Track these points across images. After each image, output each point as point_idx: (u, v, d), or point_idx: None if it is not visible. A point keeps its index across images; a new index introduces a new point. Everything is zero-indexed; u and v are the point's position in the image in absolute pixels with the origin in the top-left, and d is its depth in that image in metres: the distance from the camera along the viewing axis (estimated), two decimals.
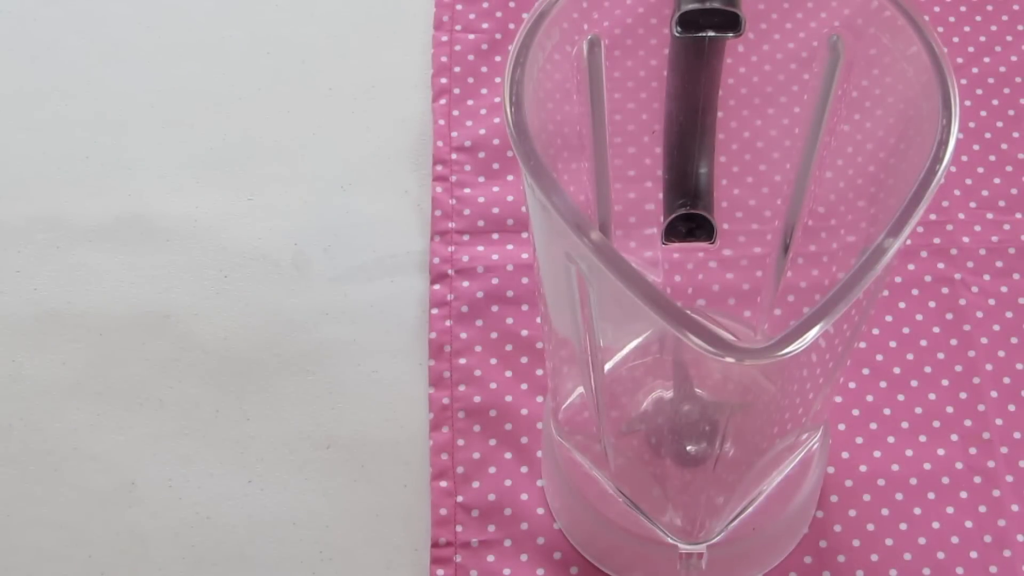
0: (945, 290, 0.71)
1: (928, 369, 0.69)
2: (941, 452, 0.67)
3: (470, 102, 0.78)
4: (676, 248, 0.62)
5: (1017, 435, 0.68)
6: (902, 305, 0.71)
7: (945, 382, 0.69)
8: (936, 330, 0.70)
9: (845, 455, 0.67)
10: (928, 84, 0.51)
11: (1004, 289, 0.72)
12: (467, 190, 0.75)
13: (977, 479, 0.67)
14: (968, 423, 0.68)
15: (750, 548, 0.63)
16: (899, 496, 0.66)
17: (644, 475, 0.62)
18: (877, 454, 0.67)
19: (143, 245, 0.74)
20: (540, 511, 0.66)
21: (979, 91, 0.77)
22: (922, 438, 0.68)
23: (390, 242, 0.74)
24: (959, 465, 0.67)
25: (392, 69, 0.80)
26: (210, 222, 0.75)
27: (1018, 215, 0.74)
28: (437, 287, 0.72)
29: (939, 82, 0.50)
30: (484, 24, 0.80)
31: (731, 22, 0.55)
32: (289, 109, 0.79)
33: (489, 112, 0.77)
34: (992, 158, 0.75)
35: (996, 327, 0.70)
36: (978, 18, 0.80)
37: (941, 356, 0.70)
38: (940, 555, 0.65)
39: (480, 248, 0.73)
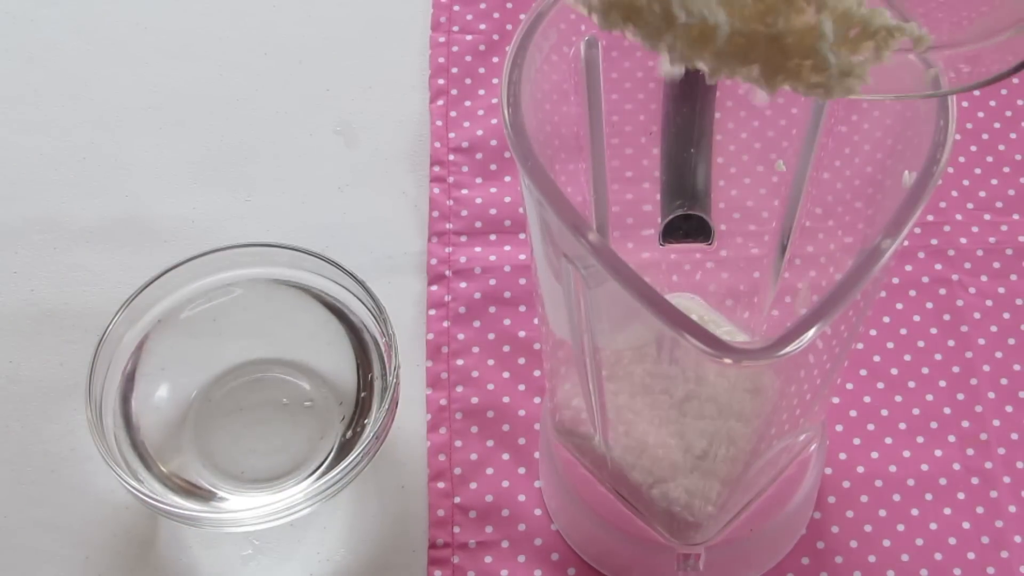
0: (942, 291, 0.72)
1: (925, 370, 0.69)
2: (939, 453, 0.67)
3: (467, 103, 0.78)
4: (674, 249, 0.62)
5: (1015, 436, 0.68)
6: (899, 306, 0.71)
7: (942, 383, 0.69)
8: (933, 331, 0.70)
9: (843, 456, 0.67)
10: None
11: (1001, 290, 0.72)
12: (464, 191, 0.75)
13: (975, 480, 0.67)
14: (966, 424, 0.68)
15: (747, 549, 0.62)
16: (897, 497, 0.66)
17: None
18: (875, 455, 0.67)
19: (140, 246, 0.74)
20: (538, 512, 0.66)
21: (976, 92, 0.77)
22: (919, 439, 0.68)
23: (387, 243, 0.74)
24: (956, 466, 0.67)
25: (389, 70, 0.80)
26: (207, 223, 0.75)
27: (1015, 216, 0.74)
28: (434, 288, 0.72)
29: None
30: (481, 25, 0.80)
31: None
32: (286, 110, 0.79)
33: (487, 113, 0.77)
34: (989, 159, 0.75)
35: (993, 328, 0.70)
36: None
37: (938, 357, 0.70)
38: (938, 556, 0.65)
39: (478, 249, 0.73)
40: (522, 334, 0.71)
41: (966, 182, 0.75)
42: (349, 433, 0.66)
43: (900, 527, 0.66)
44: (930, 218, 0.74)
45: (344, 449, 0.65)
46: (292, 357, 0.68)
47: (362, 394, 0.67)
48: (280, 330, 0.69)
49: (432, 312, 0.72)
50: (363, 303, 0.67)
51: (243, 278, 0.68)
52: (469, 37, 0.80)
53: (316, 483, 0.62)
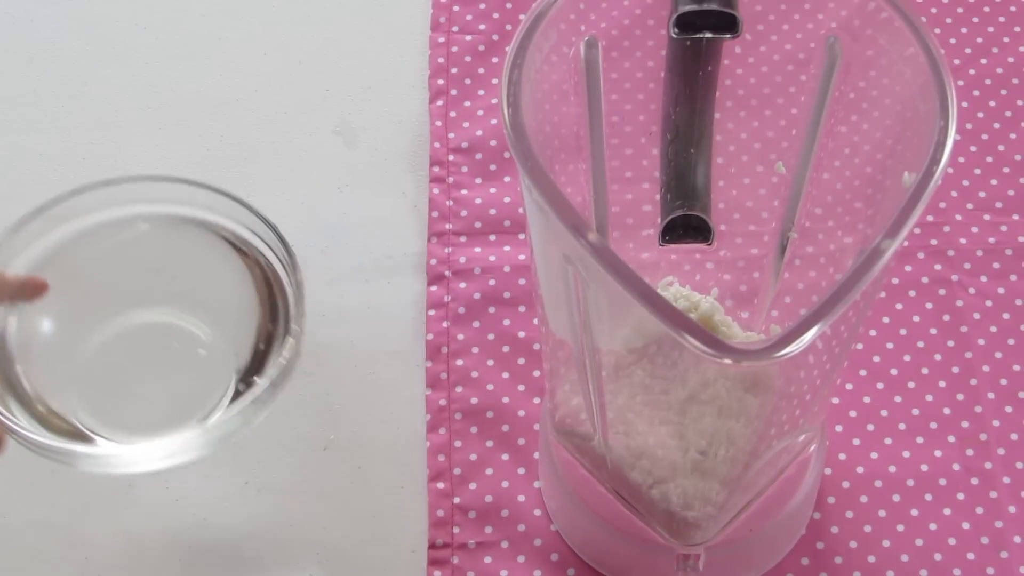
0: (942, 291, 0.71)
1: (925, 370, 0.69)
2: (938, 454, 0.67)
3: (467, 103, 0.78)
4: (673, 249, 0.62)
5: (1014, 436, 0.68)
6: (899, 306, 0.71)
7: (942, 383, 0.69)
8: (933, 331, 0.70)
9: (842, 456, 0.67)
10: (925, 85, 0.51)
11: (1001, 290, 0.72)
12: (464, 191, 0.75)
13: (974, 480, 0.67)
14: (965, 424, 0.68)
15: (747, 549, 0.62)
16: (896, 498, 0.66)
17: None
18: (874, 455, 0.67)
19: None
20: (537, 512, 0.66)
21: (976, 92, 0.78)
22: (919, 439, 0.68)
23: (387, 244, 0.74)
24: (956, 467, 0.67)
25: (389, 70, 0.80)
26: None
27: (1015, 216, 0.74)
28: (434, 288, 0.72)
29: (936, 84, 0.50)
30: (481, 26, 0.80)
31: (728, 23, 0.55)
32: (286, 110, 0.79)
33: (486, 113, 0.77)
34: (989, 159, 0.75)
35: (993, 328, 0.70)
36: (975, 19, 0.80)
37: (938, 357, 0.70)
38: (937, 556, 0.65)
39: (477, 249, 0.73)
40: (522, 334, 0.71)
41: (966, 182, 0.75)
42: (242, 385, 0.62)
43: (900, 527, 0.66)
44: (930, 218, 0.74)
45: (236, 400, 0.60)
46: (193, 301, 0.64)
47: (260, 346, 0.62)
48: (183, 272, 0.65)
49: (432, 312, 0.72)
50: (273, 250, 0.63)
51: (148, 214, 0.64)
52: (469, 37, 0.80)
53: (199, 430, 0.58)
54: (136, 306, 0.64)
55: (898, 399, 0.69)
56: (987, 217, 0.74)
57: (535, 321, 0.71)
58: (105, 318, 0.63)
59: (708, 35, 0.56)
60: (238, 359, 0.62)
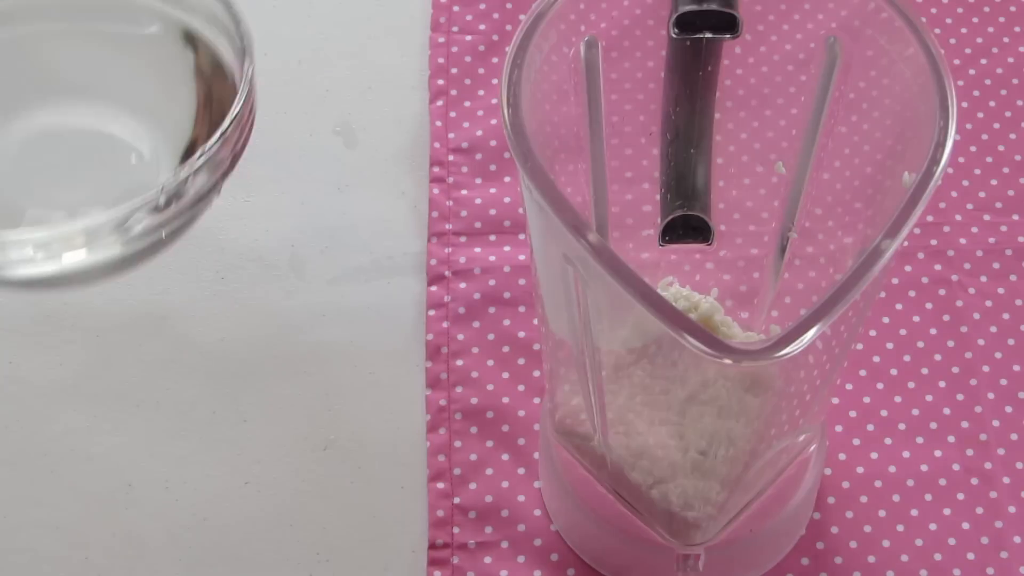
0: (942, 292, 0.72)
1: (925, 371, 0.69)
2: (938, 454, 0.67)
3: (467, 104, 0.78)
4: (673, 250, 0.62)
5: (1014, 436, 0.68)
6: (899, 307, 0.71)
7: (942, 383, 0.69)
8: (933, 332, 0.70)
9: (842, 456, 0.67)
10: (925, 86, 0.51)
11: (1001, 291, 0.72)
12: (464, 192, 0.75)
13: (974, 480, 0.67)
14: (965, 424, 0.68)
15: (747, 550, 0.63)
16: (896, 498, 0.66)
17: None
18: (874, 455, 0.67)
19: None
20: (537, 512, 0.66)
21: (976, 93, 0.78)
22: (919, 439, 0.68)
23: (387, 244, 0.74)
24: (956, 467, 0.67)
25: (389, 70, 0.80)
26: (207, 223, 0.75)
27: (1015, 216, 0.74)
28: (434, 289, 0.72)
29: (936, 84, 0.50)
30: (481, 26, 0.81)
31: (728, 23, 0.55)
32: (286, 110, 0.79)
33: (486, 114, 0.77)
34: (989, 160, 0.75)
35: (993, 328, 0.70)
36: (975, 20, 0.80)
37: (938, 358, 0.70)
38: (937, 556, 0.65)
39: (477, 250, 0.73)
40: (522, 335, 0.71)
41: (966, 183, 0.75)
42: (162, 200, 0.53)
43: (900, 527, 0.66)
44: (930, 219, 0.74)
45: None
46: (128, 96, 0.56)
47: (198, 152, 0.52)
48: (116, 61, 0.56)
49: (432, 313, 0.72)
50: (226, 36, 0.54)
51: None
52: (469, 38, 0.80)
53: (106, 216, 0.49)
54: (61, 101, 0.55)
55: (898, 399, 0.69)
56: (987, 217, 0.74)
57: (535, 321, 0.71)
58: (24, 110, 0.55)
59: (708, 35, 0.56)
60: (172, 165, 0.54)
